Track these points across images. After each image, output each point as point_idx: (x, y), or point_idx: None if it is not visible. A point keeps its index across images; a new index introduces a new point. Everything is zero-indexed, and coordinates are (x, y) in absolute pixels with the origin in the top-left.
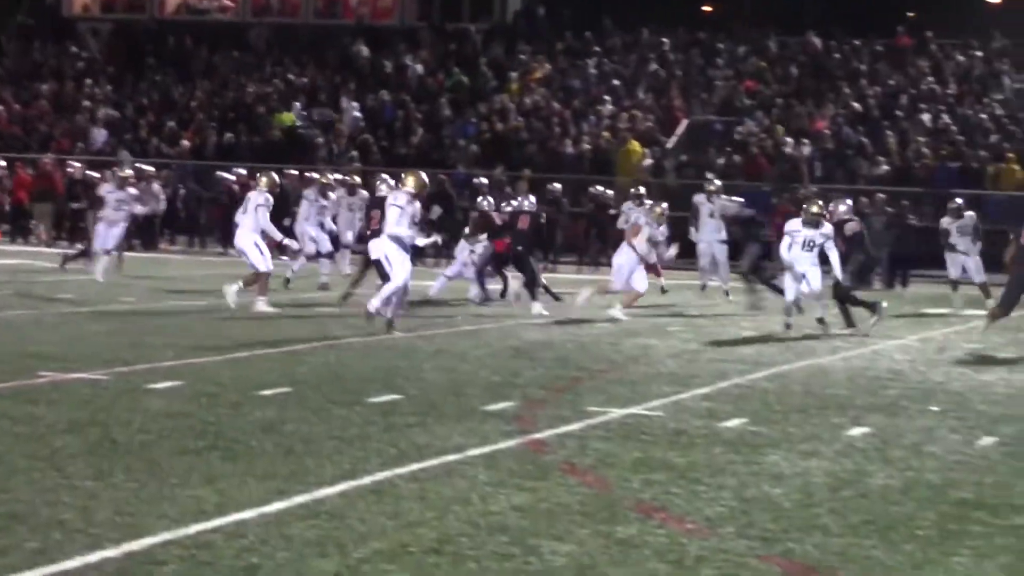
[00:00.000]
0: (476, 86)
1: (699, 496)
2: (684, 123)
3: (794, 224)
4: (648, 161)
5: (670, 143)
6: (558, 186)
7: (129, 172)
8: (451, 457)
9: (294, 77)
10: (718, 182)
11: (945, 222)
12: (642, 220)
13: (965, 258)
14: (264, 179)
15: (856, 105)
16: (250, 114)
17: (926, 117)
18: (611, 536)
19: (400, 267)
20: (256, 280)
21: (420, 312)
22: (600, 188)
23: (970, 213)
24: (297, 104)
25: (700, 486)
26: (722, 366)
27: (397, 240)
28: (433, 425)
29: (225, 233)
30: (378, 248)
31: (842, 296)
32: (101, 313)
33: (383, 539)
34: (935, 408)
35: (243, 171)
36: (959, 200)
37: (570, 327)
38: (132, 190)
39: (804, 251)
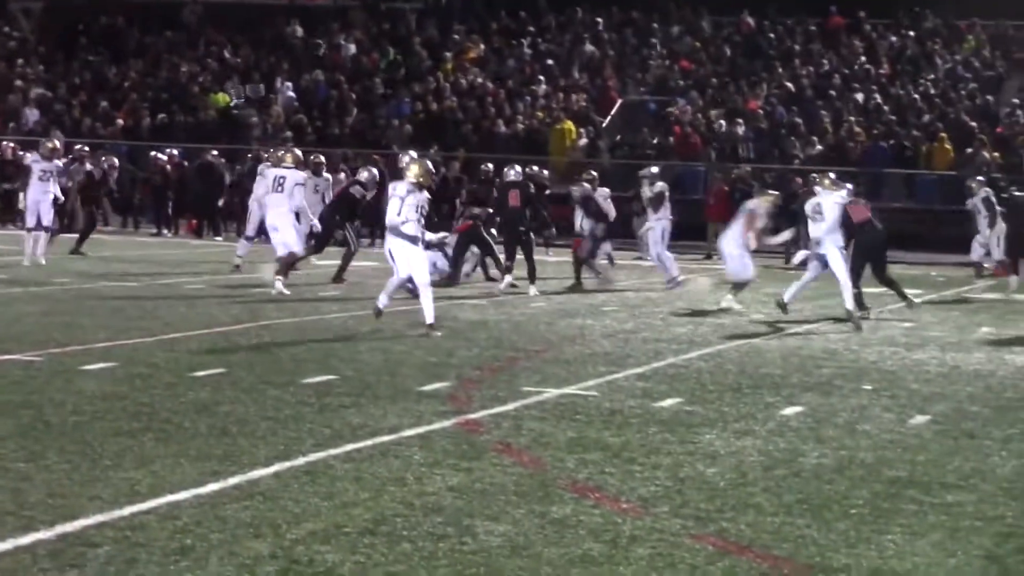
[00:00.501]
0: (410, 66)
1: (633, 476)
2: (619, 103)
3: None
4: (583, 141)
5: (604, 123)
6: (491, 166)
7: (57, 144)
8: (386, 438)
9: (228, 56)
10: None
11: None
12: (761, 209)
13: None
14: (289, 156)
15: (789, 85)
16: (184, 94)
17: (859, 97)
18: (546, 516)
19: (404, 263)
20: (289, 261)
21: (355, 293)
22: (535, 168)
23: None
24: (234, 85)
25: (635, 466)
26: (657, 346)
27: (398, 233)
28: (368, 406)
29: (158, 214)
30: (386, 243)
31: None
32: (34, 295)
33: (318, 520)
34: (868, 387)
35: (176, 151)
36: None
37: (505, 307)
38: (58, 162)
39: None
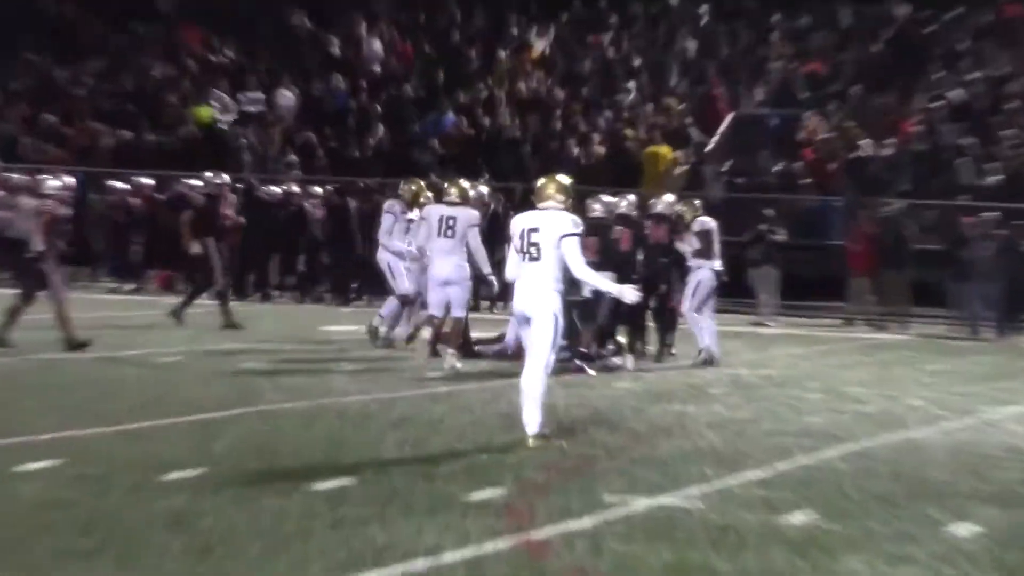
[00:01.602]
0: (453, 68)
1: None
2: (729, 118)
3: None
4: (681, 167)
5: (710, 144)
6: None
7: None
8: (420, 563)
9: (214, 57)
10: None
11: None
12: None
13: None
14: (455, 188)
15: (955, 94)
16: (156, 105)
17: None
18: None
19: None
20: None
21: (374, 361)
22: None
23: None
24: (221, 94)
25: None
26: (781, 441)
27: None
28: (396, 520)
29: (119, 261)
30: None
31: None
32: None
33: None
34: None
35: (147, 180)
36: None
37: (578, 387)
38: None
39: None
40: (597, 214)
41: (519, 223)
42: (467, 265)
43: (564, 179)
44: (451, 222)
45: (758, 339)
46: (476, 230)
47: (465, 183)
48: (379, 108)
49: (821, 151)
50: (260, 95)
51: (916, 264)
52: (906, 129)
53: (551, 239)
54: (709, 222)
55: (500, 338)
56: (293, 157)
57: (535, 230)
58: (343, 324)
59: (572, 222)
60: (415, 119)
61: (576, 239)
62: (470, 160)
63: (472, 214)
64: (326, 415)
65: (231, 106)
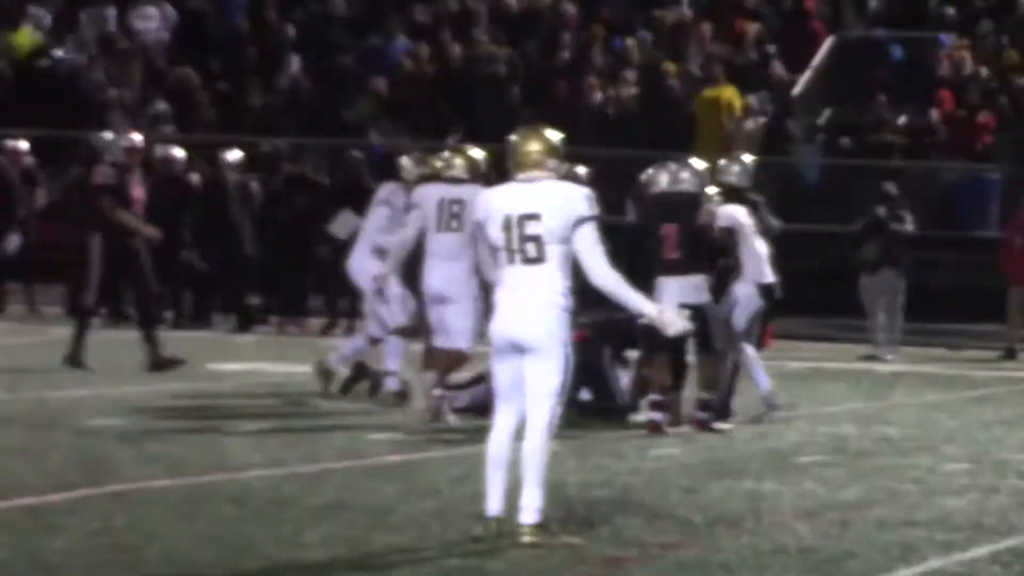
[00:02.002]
0: None
1: None
2: (828, 43)
3: None
4: (755, 120)
5: (799, 85)
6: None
7: None
8: None
9: None
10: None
11: None
12: None
13: None
14: (459, 157)
15: None
16: None
17: None
18: None
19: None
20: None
21: (290, 416)
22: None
23: None
24: (49, 12)
25: None
26: (906, 535)
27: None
28: None
29: None
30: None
31: None
32: None
33: None
34: None
35: None
36: None
37: (608, 455)
38: None
39: None
40: (685, 187)
41: (500, 205)
42: (473, 277)
43: (553, 135)
44: (456, 208)
45: (872, 381)
46: None
47: (475, 152)
48: (293, 30)
49: (969, 96)
50: (109, 15)
51: None
52: None
53: (559, 229)
54: (736, 214)
55: (478, 380)
56: (162, 105)
57: (533, 217)
58: (241, 360)
59: (586, 199)
60: (347, 47)
61: (594, 225)
62: (431, 109)
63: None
64: (215, 500)
65: (67, 29)
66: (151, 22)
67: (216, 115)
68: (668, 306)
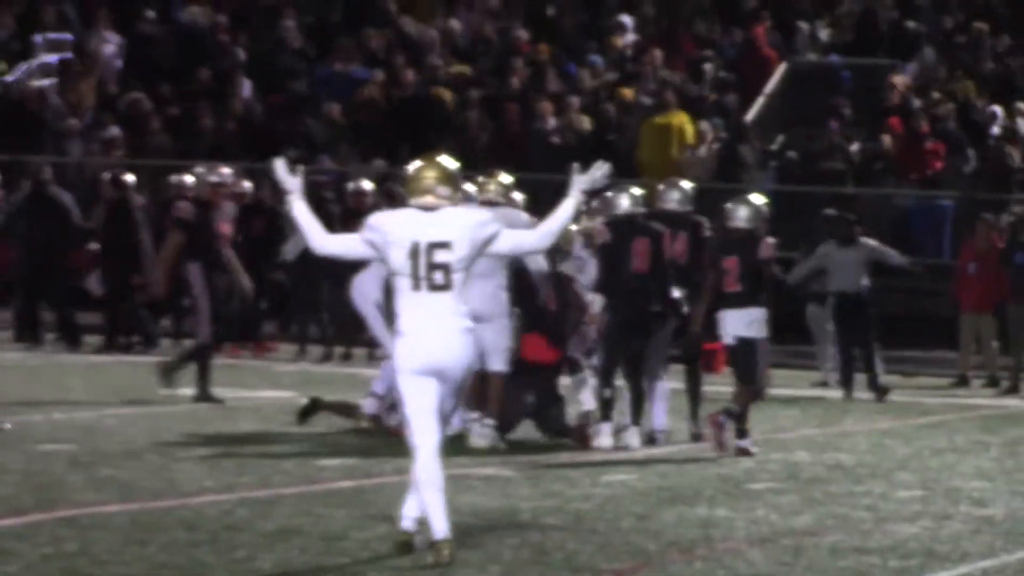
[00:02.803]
0: None
1: None
2: (780, 70)
3: None
4: (707, 146)
5: (751, 111)
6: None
7: None
8: None
9: None
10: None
11: None
12: None
13: None
14: (493, 183)
15: None
16: None
17: None
18: None
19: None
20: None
21: (243, 442)
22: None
23: None
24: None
25: None
26: (859, 562)
27: None
28: None
29: None
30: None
31: None
32: None
33: None
34: None
35: None
36: None
37: (552, 480)
38: None
39: None
40: (743, 223)
41: (405, 231)
42: (505, 294)
43: (450, 163)
44: None
45: (824, 408)
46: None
47: (504, 176)
48: (243, 52)
49: (918, 121)
50: (66, 38)
51: None
52: None
53: (468, 257)
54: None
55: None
56: (114, 129)
57: (443, 245)
58: (192, 385)
59: (491, 220)
60: (302, 73)
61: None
62: (384, 135)
63: (520, 217)
64: (167, 525)
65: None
66: (110, 46)
67: (173, 144)
68: (728, 337)
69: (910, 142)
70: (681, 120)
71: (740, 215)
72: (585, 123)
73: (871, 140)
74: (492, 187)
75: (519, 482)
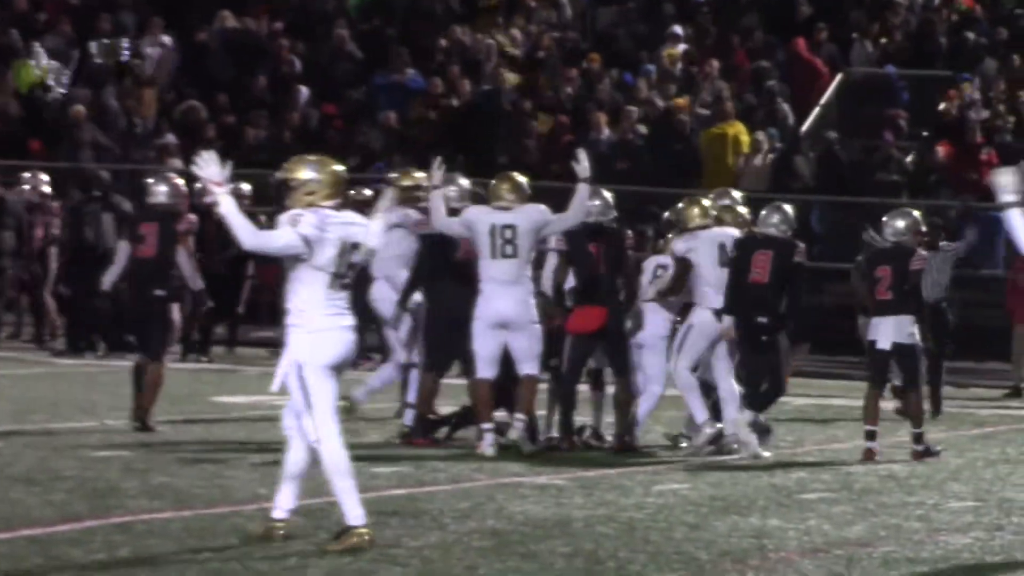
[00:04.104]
0: (413, 5)
1: None
2: (836, 81)
3: None
4: (762, 155)
5: (808, 122)
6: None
7: None
8: None
9: None
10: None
11: None
12: None
13: None
14: (506, 183)
15: None
16: None
17: None
18: None
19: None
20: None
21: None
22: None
23: None
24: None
25: None
26: (912, 572)
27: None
28: None
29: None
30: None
31: None
32: None
33: None
34: None
35: None
36: None
37: (605, 490)
38: None
39: None
40: (899, 238)
41: (338, 231)
42: (533, 300)
43: (338, 168)
44: (509, 233)
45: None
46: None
47: (519, 177)
48: (298, 60)
49: (973, 133)
50: (123, 44)
51: None
52: None
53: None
54: (691, 243)
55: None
56: (171, 137)
57: (356, 247)
58: (246, 393)
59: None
60: (356, 82)
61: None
62: (441, 144)
63: (537, 215)
64: (220, 532)
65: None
66: (165, 52)
67: (224, 148)
68: (884, 344)
69: (964, 153)
70: (737, 130)
71: (897, 227)
72: (641, 131)
73: (926, 151)
74: (504, 187)
75: (572, 491)
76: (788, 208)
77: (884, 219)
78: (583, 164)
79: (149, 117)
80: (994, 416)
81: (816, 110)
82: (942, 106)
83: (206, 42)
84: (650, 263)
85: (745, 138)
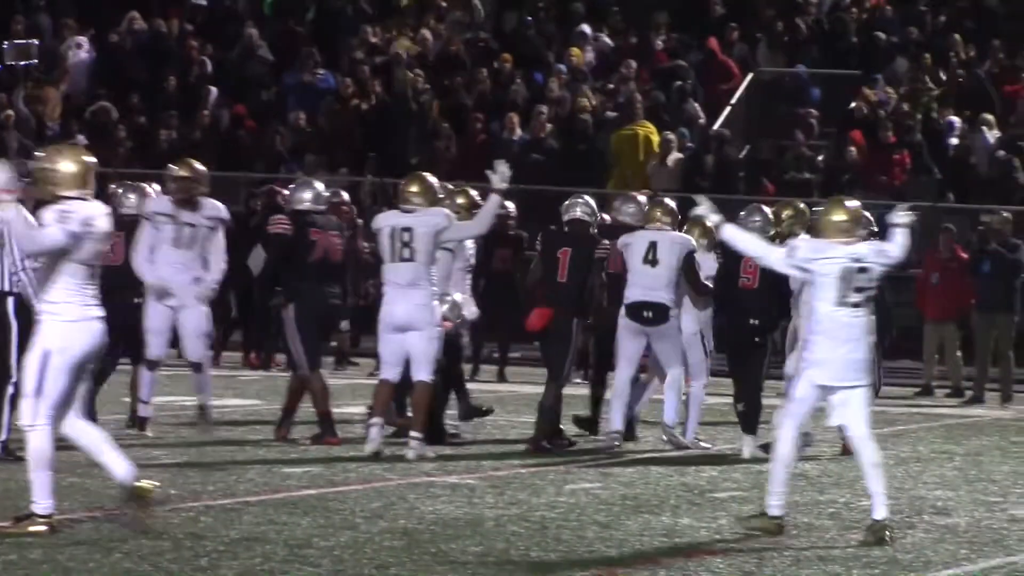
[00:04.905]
0: (323, 6)
1: None
2: (746, 81)
3: None
4: (674, 156)
5: (718, 121)
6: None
7: None
8: None
9: None
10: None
11: None
12: None
13: None
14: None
15: None
16: None
17: None
18: None
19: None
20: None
21: (204, 450)
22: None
23: None
24: None
25: None
26: (824, 571)
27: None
28: None
29: None
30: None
31: None
32: None
33: None
34: None
35: None
36: None
37: (513, 488)
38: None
39: None
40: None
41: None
42: (434, 304)
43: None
44: (407, 236)
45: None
46: (457, 243)
47: (431, 178)
48: (207, 63)
49: (884, 132)
50: (31, 45)
51: None
52: (1020, 97)
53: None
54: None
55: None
56: (81, 138)
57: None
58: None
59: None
60: (268, 81)
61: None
62: (349, 144)
63: (436, 219)
64: (131, 533)
65: None
66: (80, 54)
67: (135, 151)
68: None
69: (876, 153)
70: (647, 130)
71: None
72: (552, 132)
73: (837, 151)
74: (413, 188)
75: (483, 490)
76: (767, 208)
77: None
78: (500, 174)
79: (55, 119)
80: (905, 414)
81: (726, 110)
82: (853, 105)
83: (119, 43)
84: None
85: (655, 138)
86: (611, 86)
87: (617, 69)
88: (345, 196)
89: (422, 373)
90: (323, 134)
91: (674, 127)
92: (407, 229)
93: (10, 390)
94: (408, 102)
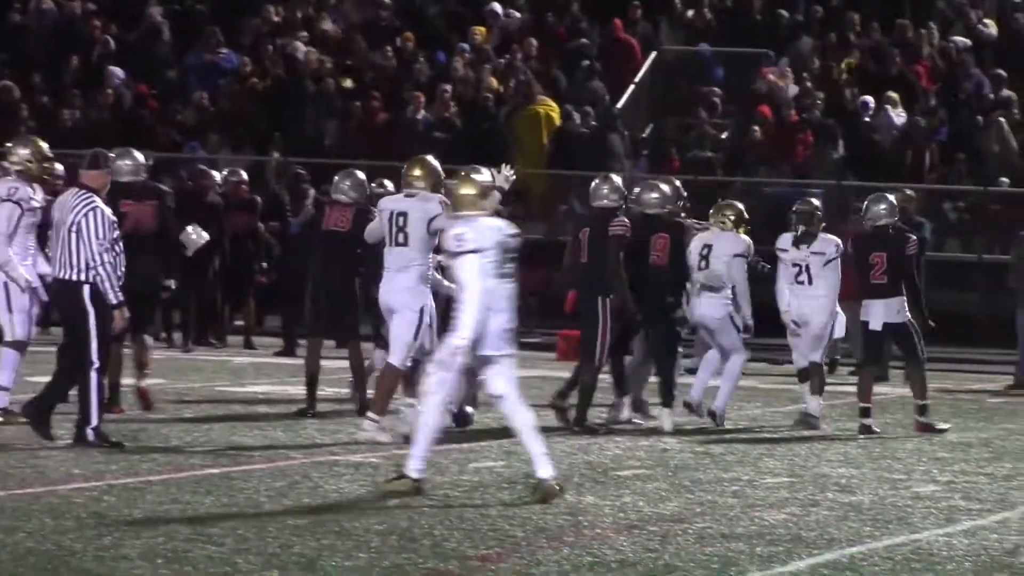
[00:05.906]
0: None
1: None
2: (650, 60)
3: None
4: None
5: (622, 100)
6: (389, 184)
7: None
8: None
9: None
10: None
11: None
12: None
13: None
14: (418, 167)
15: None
16: None
17: None
18: None
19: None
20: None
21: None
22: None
23: None
24: None
25: None
26: (725, 548)
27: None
28: None
29: None
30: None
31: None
32: None
33: None
34: None
35: None
36: None
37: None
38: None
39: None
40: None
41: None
42: (425, 288)
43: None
44: (402, 221)
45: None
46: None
47: (434, 162)
48: (110, 42)
49: (787, 111)
50: None
51: (938, 283)
52: (925, 74)
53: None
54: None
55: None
56: None
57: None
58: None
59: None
60: (170, 60)
61: None
62: (252, 123)
63: (430, 206)
64: (34, 513)
65: None
66: None
67: (39, 130)
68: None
69: (780, 131)
70: (548, 109)
71: (881, 211)
72: (456, 111)
73: (741, 129)
74: (415, 172)
75: (386, 469)
76: (665, 185)
77: (865, 203)
78: (504, 174)
79: None
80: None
81: (630, 88)
82: (756, 84)
83: (22, 23)
84: (696, 244)
85: (556, 117)
86: (511, 65)
87: (520, 48)
88: (243, 175)
89: (393, 357)
90: (225, 113)
91: (578, 106)
92: (403, 214)
93: (93, 376)
94: (306, 81)
